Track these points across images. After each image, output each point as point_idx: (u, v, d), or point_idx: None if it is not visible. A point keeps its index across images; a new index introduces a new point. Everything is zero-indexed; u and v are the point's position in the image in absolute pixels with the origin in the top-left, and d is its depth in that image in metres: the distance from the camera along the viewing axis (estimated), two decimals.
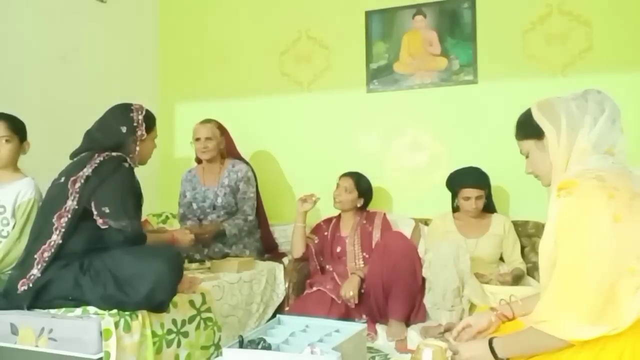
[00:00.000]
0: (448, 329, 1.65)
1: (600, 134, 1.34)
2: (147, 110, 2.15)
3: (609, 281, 1.21)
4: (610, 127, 1.35)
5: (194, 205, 3.04)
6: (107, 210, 1.88)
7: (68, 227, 1.86)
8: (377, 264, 2.55)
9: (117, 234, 1.88)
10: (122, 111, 2.10)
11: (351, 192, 2.88)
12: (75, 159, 2.04)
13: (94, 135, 2.07)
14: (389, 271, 2.51)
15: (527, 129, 1.46)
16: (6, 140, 2.25)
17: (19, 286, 1.81)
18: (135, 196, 2.01)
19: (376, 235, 2.83)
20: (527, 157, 1.51)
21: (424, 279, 2.55)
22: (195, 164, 3.19)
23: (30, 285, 1.81)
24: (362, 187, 2.92)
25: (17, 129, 2.28)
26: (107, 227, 1.88)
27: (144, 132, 2.10)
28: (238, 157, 3.15)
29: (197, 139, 2.99)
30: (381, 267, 2.53)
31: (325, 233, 2.96)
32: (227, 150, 3.10)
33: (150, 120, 2.15)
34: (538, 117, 1.41)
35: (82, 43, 3.21)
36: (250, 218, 3.00)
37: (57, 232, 1.86)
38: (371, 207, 3.01)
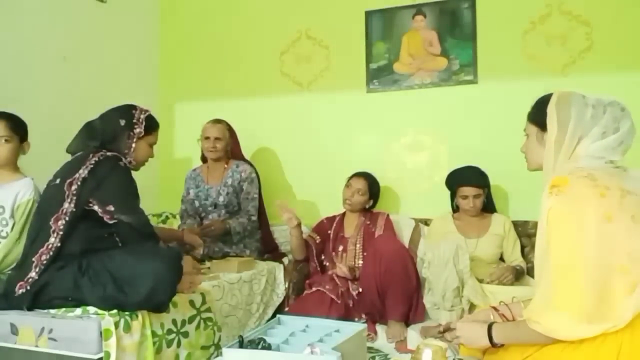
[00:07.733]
0: (448, 329, 1.65)
1: (603, 149, 1.32)
2: (150, 114, 2.17)
3: (600, 280, 1.22)
4: (615, 147, 1.33)
5: (196, 203, 3.05)
6: (112, 208, 1.89)
7: (66, 230, 1.85)
8: (370, 269, 2.54)
9: (128, 229, 1.90)
10: (126, 108, 2.14)
11: (364, 195, 2.87)
12: (69, 160, 2.04)
13: (93, 125, 2.08)
14: (382, 275, 2.50)
15: (537, 114, 1.44)
16: (5, 140, 2.23)
17: (16, 289, 1.81)
18: (135, 193, 2.02)
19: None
20: (527, 136, 1.51)
21: (419, 278, 2.55)
22: (201, 162, 3.20)
23: (28, 287, 1.80)
24: (374, 189, 2.92)
25: (17, 128, 2.26)
26: (115, 221, 1.88)
27: (142, 131, 2.10)
28: (242, 158, 3.15)
29: (207, 138, 2.99)
30: (374, 271, 2.52)
31: (329, 231, 2.95)
32: (232, 151, 3.11)
33: (151, 122, 2.15)
34: (550, 112, 1.38)
35: (82, 43, 3.21)
36: (254, 218, 3.01)
37: (55, 234, 1.85)
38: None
